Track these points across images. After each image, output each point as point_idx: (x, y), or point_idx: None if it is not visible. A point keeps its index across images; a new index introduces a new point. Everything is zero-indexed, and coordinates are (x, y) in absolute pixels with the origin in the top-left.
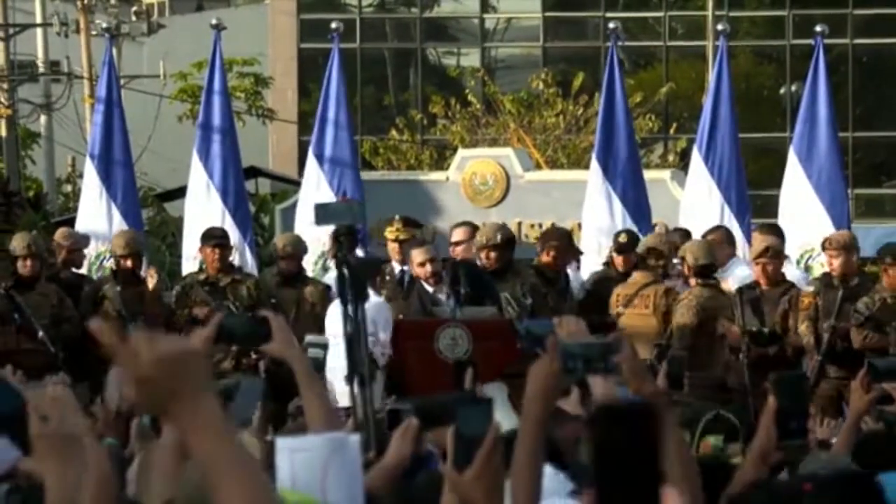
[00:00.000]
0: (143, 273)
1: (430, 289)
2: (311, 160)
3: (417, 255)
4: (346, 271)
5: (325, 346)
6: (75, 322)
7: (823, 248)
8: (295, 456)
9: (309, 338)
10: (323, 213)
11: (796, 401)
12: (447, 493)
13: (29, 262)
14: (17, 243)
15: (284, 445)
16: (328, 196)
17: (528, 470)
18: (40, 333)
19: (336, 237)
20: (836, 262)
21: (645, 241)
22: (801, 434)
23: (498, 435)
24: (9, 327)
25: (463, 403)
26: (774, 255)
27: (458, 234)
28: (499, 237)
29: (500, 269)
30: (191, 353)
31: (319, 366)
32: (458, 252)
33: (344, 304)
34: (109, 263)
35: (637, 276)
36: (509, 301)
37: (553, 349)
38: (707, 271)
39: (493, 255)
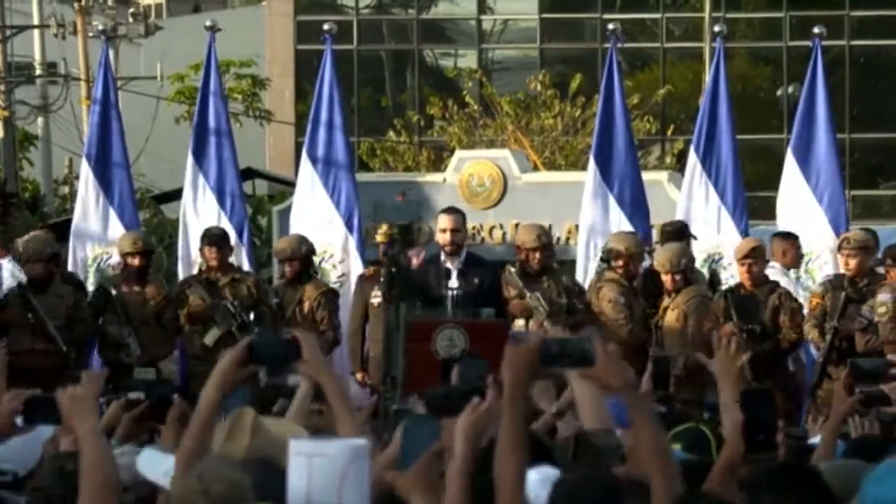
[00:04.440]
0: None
1: (445, 260)
2: (304, 162)
3: (446, 220)
4: (394, 270)
5: None
6: (89, 323)
7: (840, 248)
8: (313, 460)
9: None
10: (380, 212)
11: (764, 415)
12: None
13: (41, 266)
14: (31, 246)
15: (302, 449)
16: (323, 198)
17: (513, 458)
18: (54, 333)
19: (390, 236)
20: (853, 262)
21: (608, 242)
22: (768, 448)
23: (440, 449)
24: (23, 328)
25: (413, 422)
26: (760, 255)
27: (446, 222)
28: (548, 237)
29: (543, 270)
30: None
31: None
32: (448, 240)
33: (387, 301)
34: (110, 263)
35: (603, 275)
36: (540, 301)
37: (532, 338)
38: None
39: (537, 256)
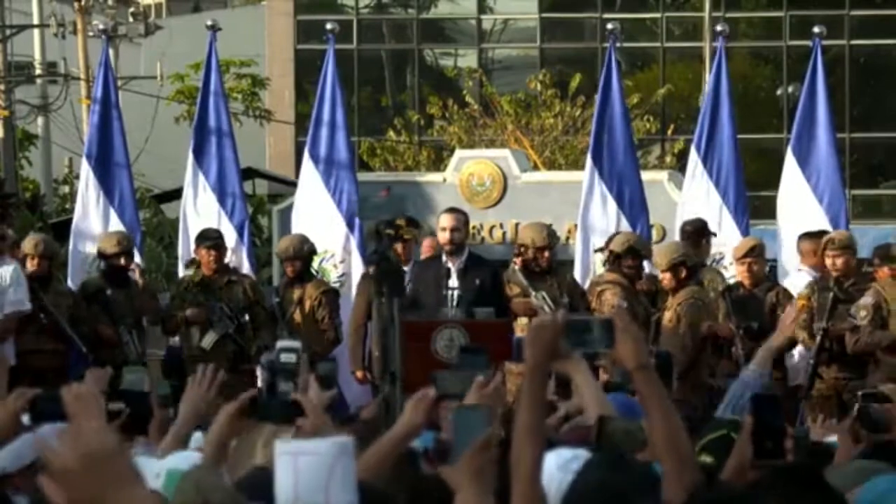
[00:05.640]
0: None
1: (447, 260)
2: (306, 161)
3: (446, 219)
4: (384, 265)
5: (297, 351)
6: (89, 323)
7: (825, 248)
8: (299, 459)
9: (281, 343)
10: (364, 208)
11: (773, 421)
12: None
13: (36, 262)
14: (26, 243)
15: (287, 449)
16: (324, 198)
17: (531, 444)
18: (69, 333)
19: (377, 231)
20: (839, 262)
21: (628, 240)
22: (777, 454)
23: (493, 436)
24: (31, 327)
25: (462, 409)
26: (760, 254)
27: (445, 221)
28: (550, 239)
29: (548, 269)
30: (114, 449)
31: (292, 371)
32: (447, 238)
33: (379, 297)
34: (96, 263)
35: (604, 275)
36: (545, 300)
37: (556, 317)
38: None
39: (545, 255)
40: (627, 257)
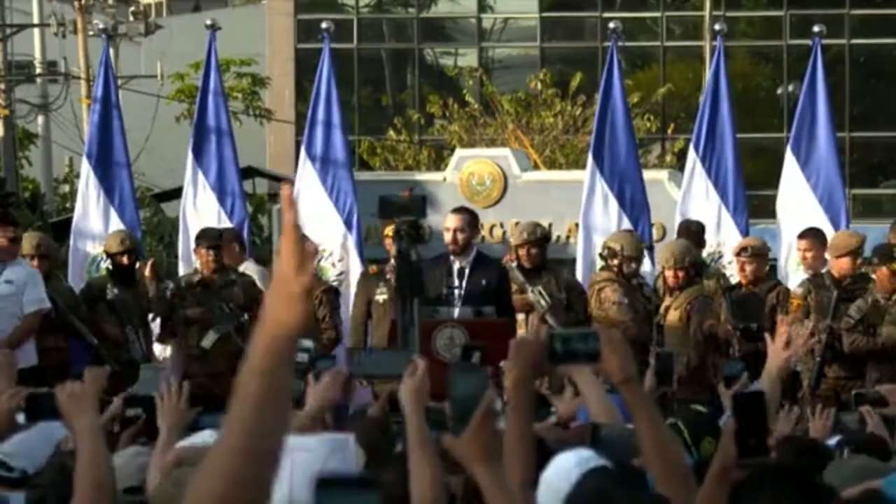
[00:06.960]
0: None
1: (454, 260)
2: (303, 160)
3: (450, 219)
4: (406, 266)
5: (309, 351)
6: (91, 323)
7: (857, 252)
8: (294, 455)
9: None
10: (387, 208)
11: (755, 419)
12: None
13: (37, 262)
14: (26, 243)
15: None
16: (321, 196)
17: (520, 451)
18: (82, 328)
19: (398, 231)
20: (846, 263)
21: (606, 241)
22: (760, 452)
23: (492, 400)
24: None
25: (458, 370)
26: (753, 254)
27: (449, 221)
28: (535, 234)
29: (535, 266)
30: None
31: (303, 371)
32: (450, 239)
33: (402, 297)
34: (106, 264)
35: (599, 274)
36: (542, 295)
37: (539, 333)
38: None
39: (531, 251)
40: (612, 257)
